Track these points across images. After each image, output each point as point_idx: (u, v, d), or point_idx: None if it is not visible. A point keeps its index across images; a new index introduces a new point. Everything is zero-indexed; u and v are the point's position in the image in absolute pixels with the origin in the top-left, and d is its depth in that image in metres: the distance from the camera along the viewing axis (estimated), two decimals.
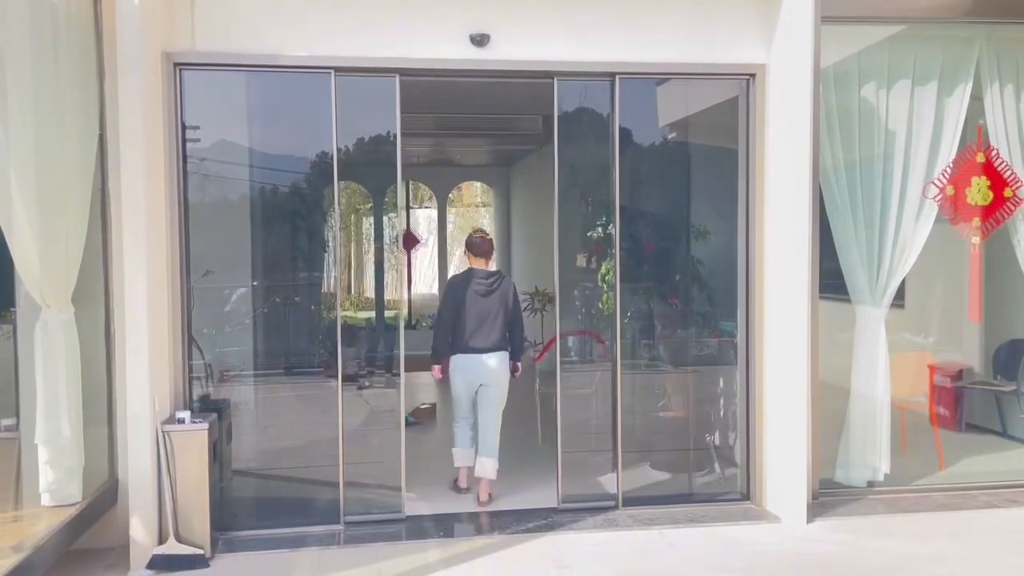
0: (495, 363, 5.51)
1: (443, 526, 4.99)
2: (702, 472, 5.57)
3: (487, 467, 5.51)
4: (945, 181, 5.42)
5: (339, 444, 5.01)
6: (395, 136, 5.17)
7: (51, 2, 4.15)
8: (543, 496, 5.54)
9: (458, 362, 5.56)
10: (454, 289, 5.65)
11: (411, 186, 19.04)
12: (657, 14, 5.15)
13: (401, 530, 4.94)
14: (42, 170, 3.97)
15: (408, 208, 19.89)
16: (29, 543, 3.80)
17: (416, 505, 5.41)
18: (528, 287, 12.88)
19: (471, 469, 5.64)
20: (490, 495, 5.53)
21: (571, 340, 7.96)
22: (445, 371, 5.68)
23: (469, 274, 5.65)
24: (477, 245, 5.74)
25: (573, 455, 6.64)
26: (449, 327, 5.59)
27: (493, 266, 5.98)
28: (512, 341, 5.66)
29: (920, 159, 5.38)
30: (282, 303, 5.29)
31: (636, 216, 5.48)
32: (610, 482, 5.38)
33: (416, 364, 12.32)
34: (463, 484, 5.70)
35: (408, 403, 8.51)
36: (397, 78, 5.00)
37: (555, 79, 5.16)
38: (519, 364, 5.77)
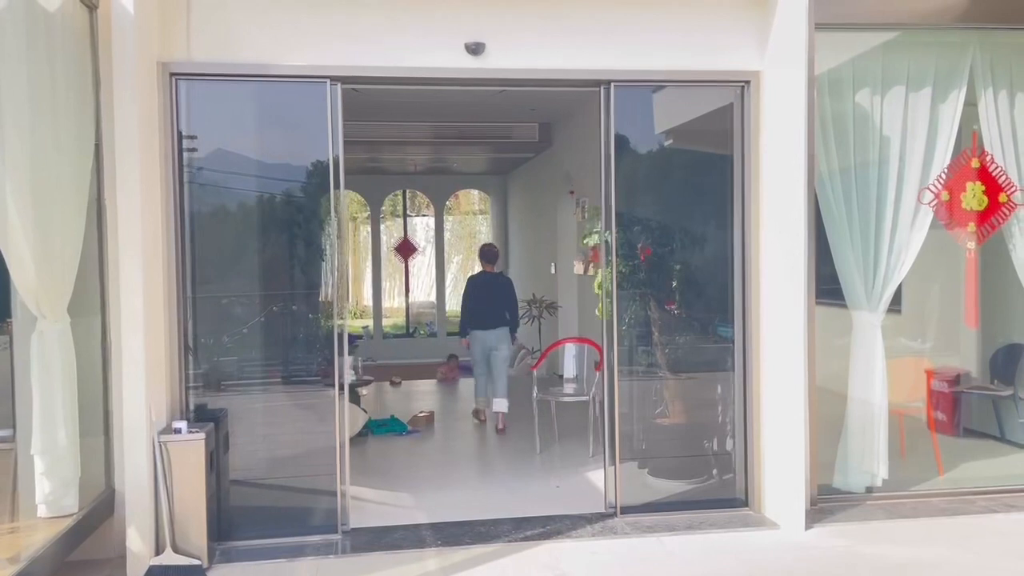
0: (500, 335, 8.02)
1: (441, 534, 4.98)
2: (700, 479, 5.56)
3: (502, 405, 7.85)
4: (940, 186, 5.43)
5: (337, 453, 5.00)
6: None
7: (46, 13, 4.16)
8: (540, 504, 5.54)
9: (476, 335, 8.07)
10: (473, 286, 8.29)
11: (408, 194, 19.08)
12: (651, 21, 5.16)
13: (400, 539, 4.93)
14: (37, 180, 3.97)
15: (405, 216, 19.93)
16: (26, 554, 3.78)
17: (414, 514, 5.40)
18: (526, 294, 12.89)
19: (487, 411, 8.17)
20: (504, 427, 7.80)
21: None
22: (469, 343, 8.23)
23: (482, 275, 8.34)
24: (488, 254, 8.35)
25: (572, 460, 6.67)
26: (470, 313, 8.14)
27: (497, 268, 8.42)
28: (510, 319, 8.16)
29: (915, 165, 5.40)
30: (279, 311, 5.29)
31: (632, 222, 5.48)
32: (608, 489, 5.37)
33: (415, 372, 12.33)
34: (483, 418, 8.21)
35: (406, 411, 8.54)
36: (340, 86, 4.93)
37: (600, 87, 5.19)
38: (516, 336, 8.33)
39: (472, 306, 8.15)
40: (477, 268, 8.42)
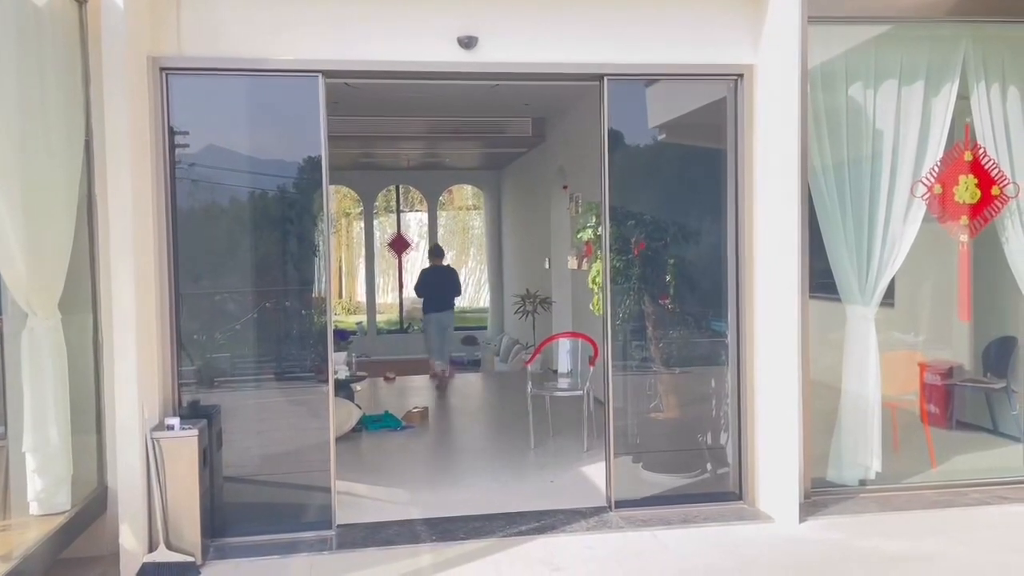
0: (449, 316, 10.66)
1: (435, 530, 4.97)
2: (694, 473, 5.57)
3: (444, 364, 10.57)
4: (933, 180, 5.44)
5: (330, 449, 4.99)
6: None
7: (35, 7, 4.13)
8: (535, 499, 5.54)
9: (429, 317, 10.53)
10: (425, 277, 10.67)
11: (401, 189, 19.03)
12: (645, 15, 5.15)
13: (394, 535, 4.92)
14: (27, 175, 3.94)
15: (399, 211, 19.89)
16: (18, 552, 3.77)
17: (408, 510, 5.40)
18: (520, 289, 12.88)
19: (436, 369, 10.51)
20: (448, 374, 10.65)
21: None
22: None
23: (432, 268, 10.70)
24: (436, 252, 10.97)
25: (566, 455, 6.67)
26: (427, 299, 10.54)
27: (444, 262, 10.98)
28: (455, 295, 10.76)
29: (908, 158, 5.40)
30: (272, 307, 5.27)
31: (627, 217, 5.48)
32: (602, 484, 5.37)
33: (409, 367, 12.31)
34: (438, 372, 10.45)
35: (400, 407, 8.54)
36: (322, 78, 4.91)
37: (597, 80, 5.18)
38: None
39: (428, 293, 10.49)
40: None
